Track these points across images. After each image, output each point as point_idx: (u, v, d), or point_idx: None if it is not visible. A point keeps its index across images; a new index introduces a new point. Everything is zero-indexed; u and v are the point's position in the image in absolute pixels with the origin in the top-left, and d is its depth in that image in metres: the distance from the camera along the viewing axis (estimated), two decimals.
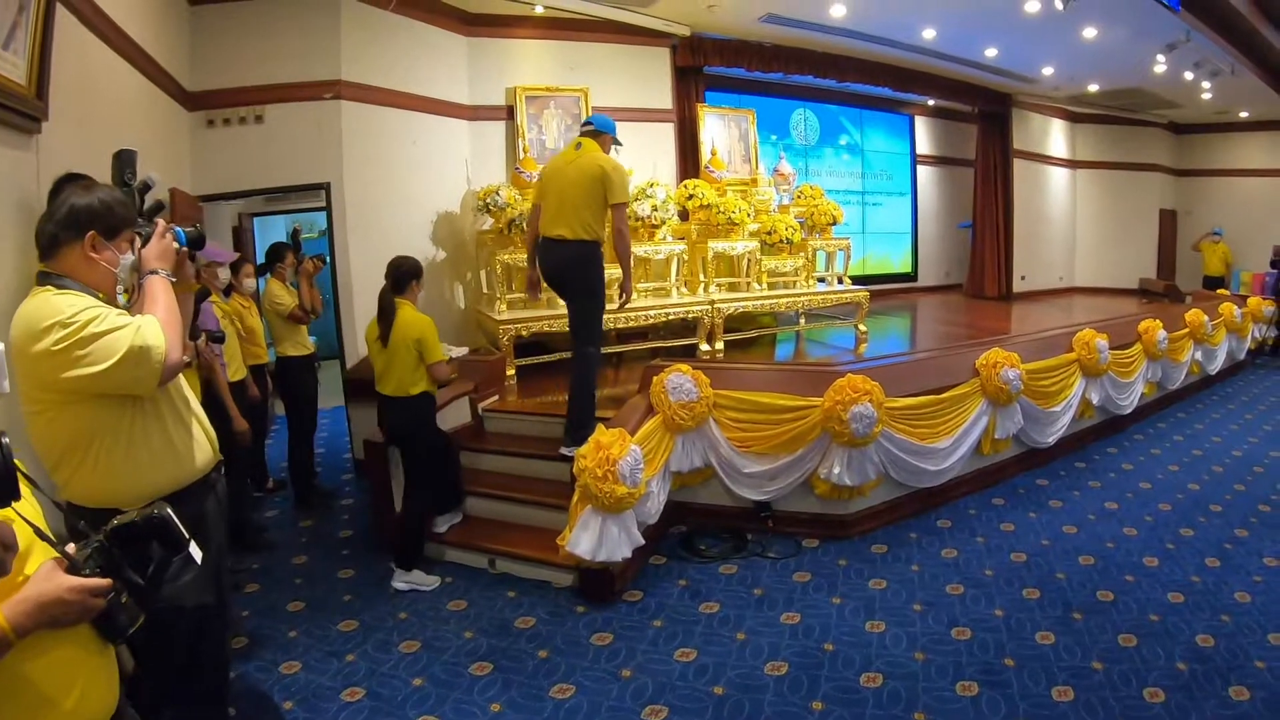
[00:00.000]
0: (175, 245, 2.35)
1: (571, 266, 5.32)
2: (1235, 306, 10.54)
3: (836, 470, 5.20)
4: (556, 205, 5.29)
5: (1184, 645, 3.92)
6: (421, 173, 7.94)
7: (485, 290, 7.93)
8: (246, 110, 6.77)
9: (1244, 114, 15.14)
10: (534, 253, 5.54)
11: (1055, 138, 15.54)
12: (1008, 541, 5.24)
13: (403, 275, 5.02)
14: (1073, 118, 15.68)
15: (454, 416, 6.04)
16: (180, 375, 2.43)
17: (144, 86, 5.45)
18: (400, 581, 4.91)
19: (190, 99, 6.58)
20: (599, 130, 5.54)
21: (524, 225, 6.79)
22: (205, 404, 2.88)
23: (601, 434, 4.55)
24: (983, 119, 13.97)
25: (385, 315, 4.93)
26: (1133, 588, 4.52)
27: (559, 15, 8.68)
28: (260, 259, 6.96)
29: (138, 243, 2.26)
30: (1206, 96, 13.35)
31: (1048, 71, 12.44)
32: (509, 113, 8.65)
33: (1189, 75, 11.58)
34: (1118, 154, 15.88)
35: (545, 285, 5.62)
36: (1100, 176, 16.03)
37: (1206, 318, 9.43)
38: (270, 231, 11.63)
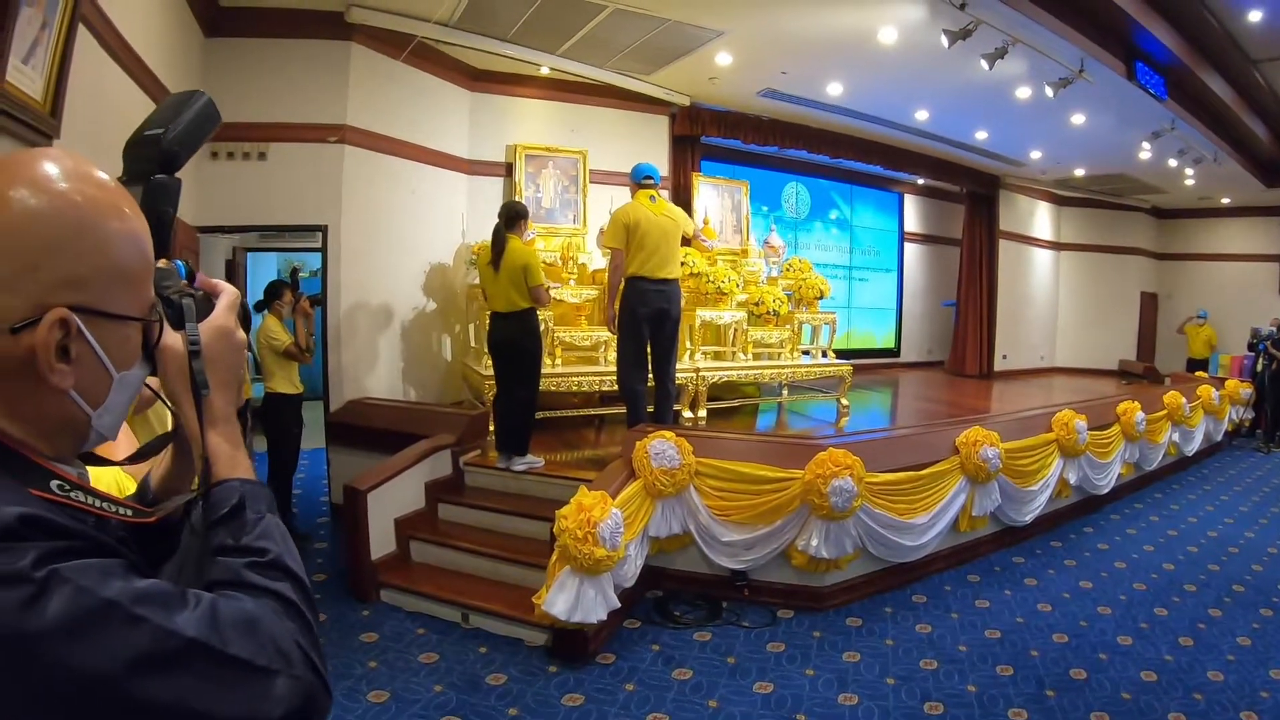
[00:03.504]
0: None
1: (677, 301, 6.16)
2: (1213, 389, 10.62)
3: (814, 542, 5.21)
4: (666, 251, 6.03)
5: None
6: (417, 222, 8.05)
7: (473, 344, 7.98)
8: (251, 146, 6.87)
9: (1226, 200, 15.50)
10: (627, 294, 6.08)
11: (1041, 219, 15.84)
12: (982, 618, 5.24)
13: (513, 215, 6.04)
14: (1058, 200, 16.00)
15: (434, 469, 6.08)
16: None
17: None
18: (519, 464, 5.95)
19: None
20: (656, 181, 6.31)
21: None
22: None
23: (583, 496, 4.56)
24: (971, 199, 14.25)
25: (498, 245, 5.90)
26: (1106, 666, 4.54)
27: (563, 77, 8.87)
28: (253, 295, 7.00)
29: None
30: (1190, 183, 13.66)
31: (1036, 155, 12.74)
32: (508, 169, 8.83)
33: (1173, 162, 11.83)
34: (1101, 237, 16.21)
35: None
36: (1083, 259, 16.33)
37: (1184, 399, 9.50)
38: (262, 267, 11.69)
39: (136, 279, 0.93)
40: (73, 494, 0.86)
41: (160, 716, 0.75)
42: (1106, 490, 7.79)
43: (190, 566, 0.99)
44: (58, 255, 0.85)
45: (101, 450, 1.03)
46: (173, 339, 1.03)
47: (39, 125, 3.46)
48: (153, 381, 1.05)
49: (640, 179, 6.23)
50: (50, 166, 0.87)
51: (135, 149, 1.10)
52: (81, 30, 3.82)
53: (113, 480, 1.58)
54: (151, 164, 1.07)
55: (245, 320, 1.14)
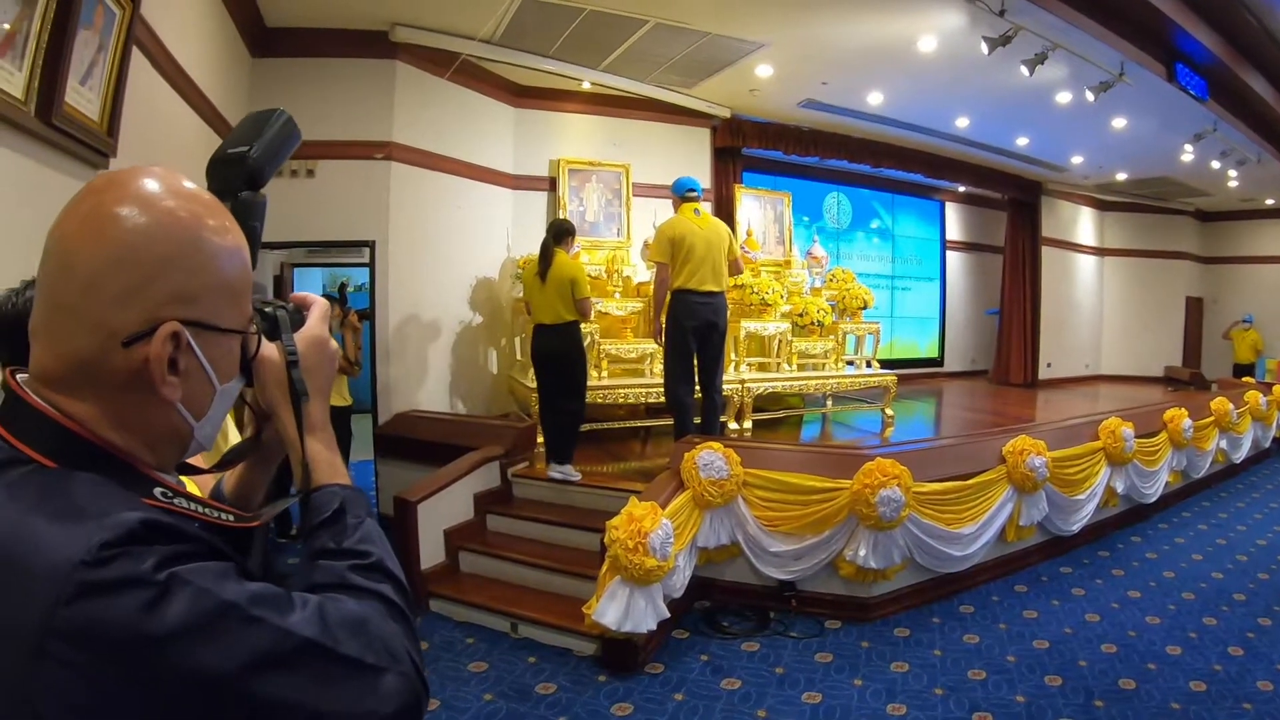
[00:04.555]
0: None
1: (723, 313, 6.19)
2: (1261, 394, 10.44)
3: (862, 553, 5.21)
4: (711, 263, 6.05)
5: None
6: (463, 237, 8.12)
7: (519, 357, 8.06)
8: (299, 164, 6.98)
9: (1270, 201, 15.23)
10: (673, 307, 6.13)
11: (1084, 225, 15.64)
12: (1030, 628, 5.20)
13: (562, 232, 6.16)
14: (1101, 206, 15.79)
15: (482, 480, 6.15)
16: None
17: (204, 131, 5.63)
18: (556, 471, 6.03)
19: None
20: (699, 194, 6.40)
21: None
22: None
23: (634, 506, 4.60)
24: (1013, 206, 14.13)
25: (546, 258, 6.03)
26: (1155, 676, 4.49)
27: (605, 92, 8.93)
28: None
29: None
30: (1233, 184, 13.46)
31: (1077, 160, 12.63)
32: (551, 184, 8.90)
33: (1216, 164, 11.69)
34: (1145, 242, 15.98)
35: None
36: (1127, 264, 16.10)
37: (1232, 406, 9.35)
38: (307, 282, 11.86)
39: (239, 293, 0.97)
40: (176, 500, 0.89)
41: (275, 714, 0.78)
42: (1154, 499, 7.69)
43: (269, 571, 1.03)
44: (169, 270, 0.88)
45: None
46: (269, 350, 1.07)
47: (97, 144, 3.54)
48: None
49: (683, 192, 6.29)
50: (154, 184, 0.90)
51: (221, 167, 1.14)
52: (135, 52, 3.91)
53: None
54: (238, 181, 1.11)
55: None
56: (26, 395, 0.88)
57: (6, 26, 2.69)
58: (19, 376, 0.91)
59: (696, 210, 6.25)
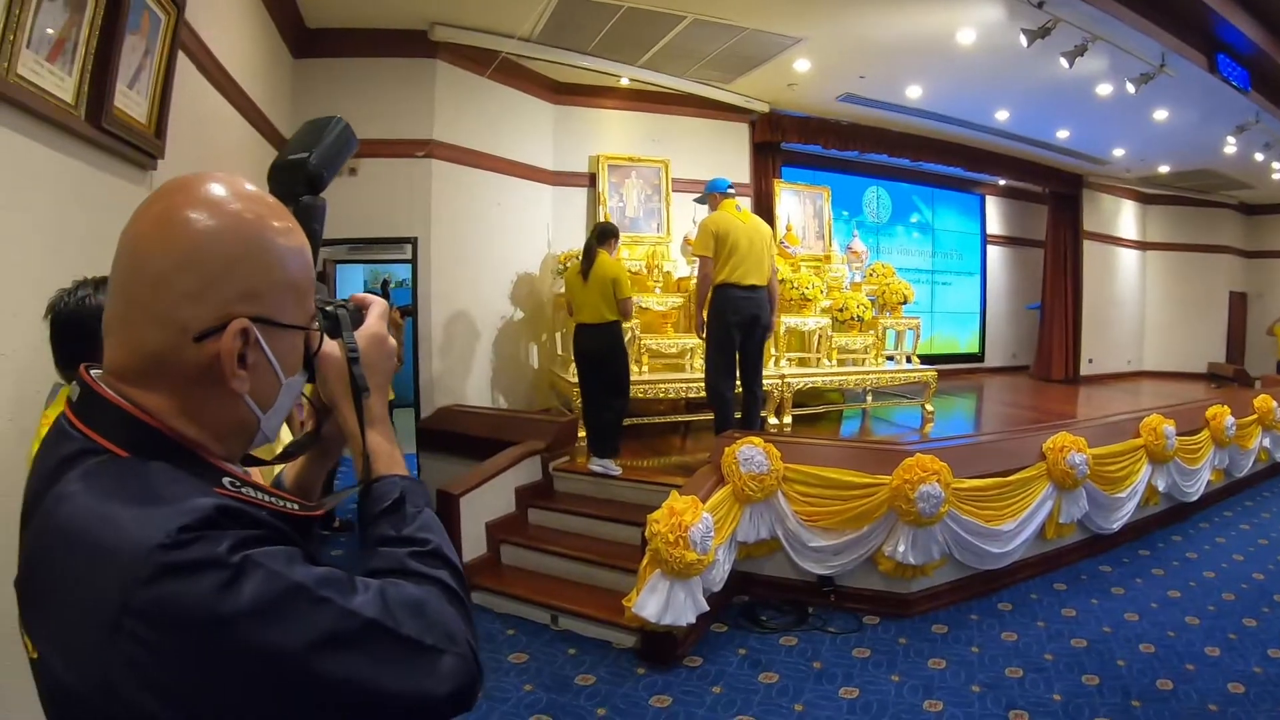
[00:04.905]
0: None
1: (766, 308, 6.22)
2: None
3: (901, 549, 5.22)
4: (754, 259, 6.10)
5: None
6: (504, 233, 8.19)
7: (560, 352, 8.12)
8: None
9: None
10: (716, 301, 6.18)
11: (1126, 219, 15.38)
12: (1069, 627, 5.18)
13: (605, 233, 6.31)
14: (1143, 199, 15.52)
15: (524, 474, 6.20)
16: None
17: (248, 132, 5.71)
18: (597, 465, 6.11)
19: None
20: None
21: None
22: None
23: (675, 500, 4.64)
24: (1054, 199, 13.95)
25: (588, 258, 6.15)
26: (1193, 677, 4.46)
27: (643, 88, 8.96)
28: None
29: None
30: (1277, 177, 13.21)
31: (1118, 153, 12.46)
32: (591, 180, 8.94)
33: (1259, 156, 11.51)
34: (1188, 235, 15.66)
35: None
36: (1170, 258, 15.80)
37: (1276, 404, 9.19)
38: (349, 279, 11.97)
39: (303, 291, 1.02)
40: (243, 489, 0.92)
41: (338, 692, 0.81)
42: (1195, 497, 7.59)
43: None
44: (238, 269, 0.92)
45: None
46: (331, 346, 1.12)
47: (145, 146, 3.59)
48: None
49: (723, 190, 6.36)
50: (221, 188, 0.95)
51: (282, 172, 1.18)
52: (180, 56, 3.98)
53: None
54: (299, 186, 1.16)
55: None
56: (100, 389, 0.93)
57: (56, 33, 2.75)
58: (92, 372, 0.95)
59: (738, 206, 6.32)
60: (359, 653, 0.83)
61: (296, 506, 0.98)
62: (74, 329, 1.96)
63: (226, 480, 0.92)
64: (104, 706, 0.77)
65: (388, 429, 1.17)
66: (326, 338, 1.12)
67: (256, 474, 1.10)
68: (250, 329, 0.93)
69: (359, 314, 1.18)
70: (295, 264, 0.99)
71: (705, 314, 6.26)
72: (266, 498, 0.95)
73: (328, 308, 1.12)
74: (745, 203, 9.59)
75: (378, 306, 1.21)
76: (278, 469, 1.34)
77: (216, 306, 0.91)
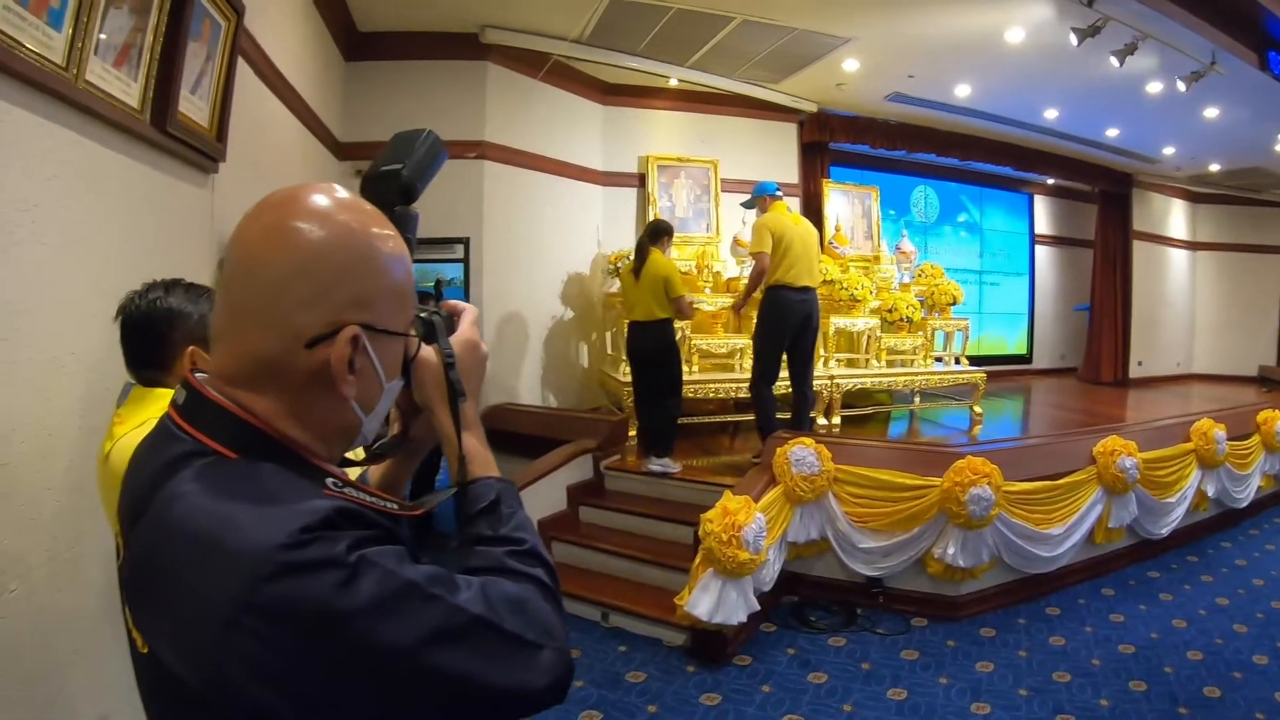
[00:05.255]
0: None
1: (817, 309, 6.30)
2: None
3: (951, 551, 5.22)
4: (807, 260, 6.17)
5: None
6: (555, 233, 8.26)
7: (610, 351, 8.19)
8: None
9: None
10: (769, 303, 6.24)
11: (1176, 219, 15.04)
12: (1116, 632, 5.15)
13: (657, 231, 6.36)
14: (1194, 198, 15.15)
15: (576, 473, 6.27)
16: None
17: (302, 134, 5.82)
18: (655, 465, 6.11)
19: (341, 149, 6.98)
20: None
21: None
22: None
23: (729, 500, 4.67)
24: (1103, 199, 13.73)
25: (640, 256, 6.21)
26: (1241, 685, 4.43)
27: (692, 88, 8.97)
28: None
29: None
30: None
31: (1169, 151, 12.24)
32: (640, 180, 8.99)
33: None
34: (1239, 235, 15.25)
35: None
36: (1221, 259, 15.40)
37: None
38: None
39: (406, 298, 1.05)
40: (346, 489, 0.95)
41: (445, 684, 0.85)
42: (1245, 503, 7.48)
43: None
44: (349, 277, 0.96)
45: None
46: (428, 353, 1.16)
47: (208, 150, 3.67)
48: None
49: (772, 192, 6.41)
50: (327, 199, 0.98)
51: (375, 183, 1.21)
52: (239, 60, 4.06)
53: None
54: (392, 196, 1.18)
55: None
56: (208, 392, 0.97)
57: (122, 40, 2.82)
58: (198, 375, 1.00)
59: (788, 208, 6.41)
60: (466, 647, 0.87)
61: (396, 506, 1.01)
62: (145, 330, 1.99)
63: (330, 481, 0.96)
64: (217, 700, 0.81)
65: (481, 432, 1.21)
66: (423, 344, 1.15)
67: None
68: (360, 335, 0.96)
69: (452, 321, 1.22)
70: (399, 272, 1.03)
71: (747, 306, 6.53)
72: (368, 498, 0.97)
73: (423, 314, 1.16)
74: (794, 203, 9.62)
75: (470, 314, 1.25)
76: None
77: (328, 313, 0.94)
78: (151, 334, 1.99)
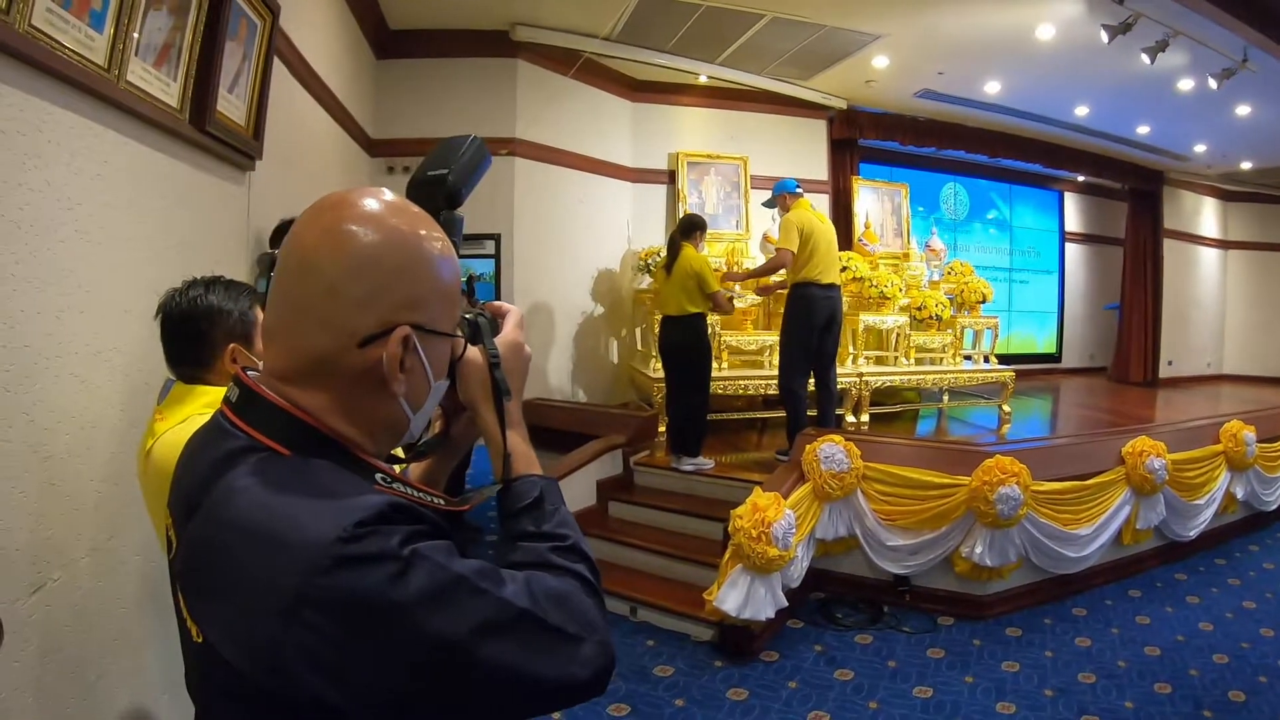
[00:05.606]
0: None
1: (840, 306, 6.42)
2: None
3: (979, 550, 5.21)
4: (831, 257, 6.30)
5: None
6: (585, 230, 8.32)
7: (639, 347, 8.24)
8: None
9: None
10: (796, 301, 6.32)
11: (1207, 217, 14.83)
12: (1143, 634, 5.12)
13: (690, 226, 6.38)
14: (1225, 196, 14.92)
15: (605, 468, 6.31)
16: None
17: (335, 132, 5.90)
18: (687, 464, 6.15)
19: (373, 145, 7.08)
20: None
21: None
22: None
23: (758, 496, 4.70)
24: (1133, 196, 13.59)
25: (672, 251, 6.27)
26: (1265, 689, 4.39)
27: (721, 85, 9.00)
28: None
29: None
30: None
31: (1200, 149, 12.10)
32: (670, 177, 9.02)
33: None
34: (1272, 234, 15.00)
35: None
36: (1253, 258, 15.17)
37: None
38: None
39: (454, 299, 1.08)
40: (394, 485, 0.99)
41: (491, 675, 0.87)
42: (1274, 506, 7.39)
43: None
44: (401, 279, 0.98)
45: None
46: (473, 353, 1.19)
47: (245, 148, 3.71)
48: None
49: (793, 190, 6.49)
50: (378, 203, 1.01)
51: (421, 188, 1.24)
52: (275, 60, 4.10)
53: None
54: (438, 200, 1.21)
55: None
56: (261, 390, 0.99)
57: (161, 40, 2.86)
58: (250, 373, 1.03)
59: (811, 205, 6.49)
60: (512, 640, 0.89)
61: (442, 502, 1.05)
62: (186, 327, 2.03)
63: (379, 476, 0.99)
64: (274, 689, 0.83)
65: (525, 431, 1.23)
66: (469, 344, 1.19)
67: None
68: (411, 335, 0.99)
69: (496, 322, 1.25)
70: (448, 273, 1.05)
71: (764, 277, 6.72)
72: (415, 493, 1.01)
73: (468, 315, 1.20)
74: (824, 199, 9.70)
75: (515, 315, 1.27)
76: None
77: (381, 314, 0.97)
78: (192, 331, 2.02)
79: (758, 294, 7.44)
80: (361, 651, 0.82)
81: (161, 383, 2.16)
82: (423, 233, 1.03)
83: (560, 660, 0.94)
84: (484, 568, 0.92)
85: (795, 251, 6.14)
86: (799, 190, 6.50)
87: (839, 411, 7.54)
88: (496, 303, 1.30)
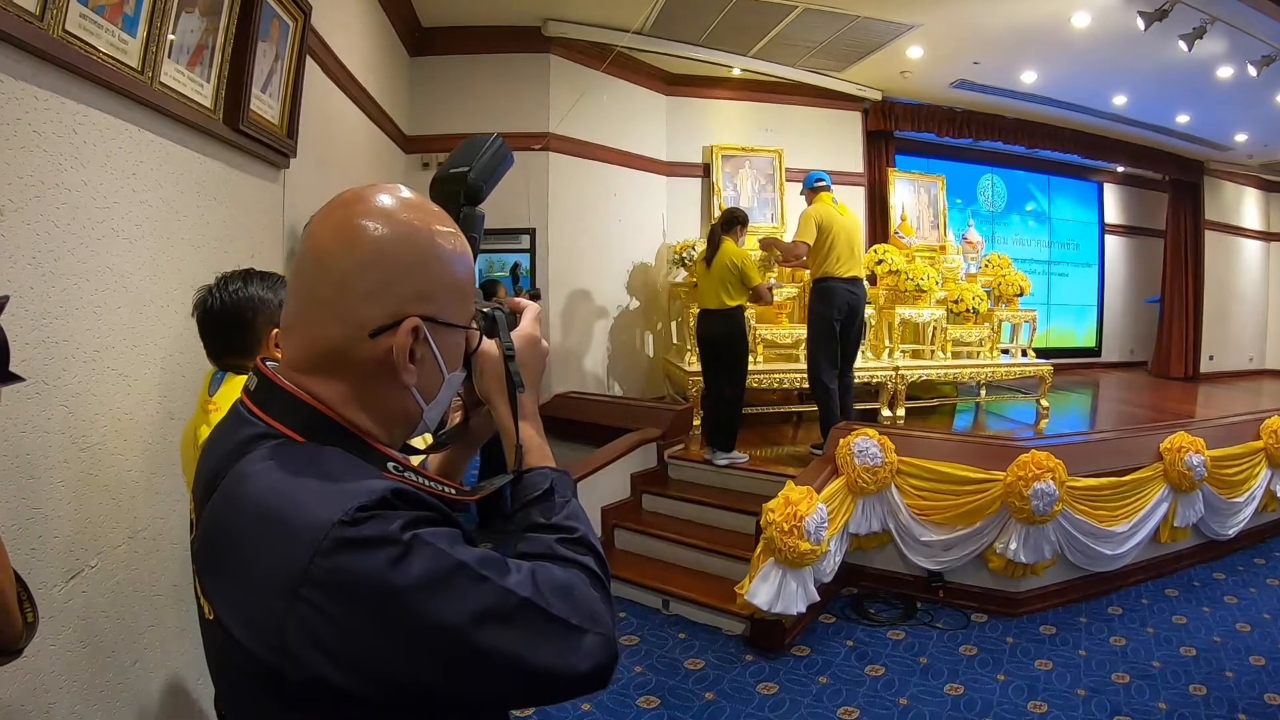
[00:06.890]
0: None
1: (863, 300, 6.49)
2: None
3: (1013, 546, 5.16)
4: (852, 252, 6.32)
5: None
6: (619, 224, 8.35)
7: (675, 341, 8.24)
8: None
9: None
10: (818, 295, 6.40)
11: (1249, 208, 14.49)
12: (1178, 634, 5.04)
13: (731, 220, 6.38)
14: (1267, 186, 14.59)
15: (639, 461, 6.32)
16: None
17: (369, 129, 5.97)
18: (722, 459, 6.15)
19: (407, 142, 7.16)
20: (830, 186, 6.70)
21: None
22: None
23: (791, 490, 4.70)
24: (1174, 187, 13.35)
25: (713, 244, 6.27)
26: None
27: (755, 78, 8.99)
28: None
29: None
30: None
31: (1241, 138, 11.87)
32: (705, 170, 9.03)
33: None
34: None
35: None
36: None
37: None
38: None
39: (466, 293, 1.10)
40: (406, 473, 1.01)
41: (491, 662, 0.88)
42: None
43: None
44: (412, 273, 1.01)
45: None
46: (488, 345, 1.22)
47: (279, 146, 3.78)
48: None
49: (813, 183, 6.54)
50: (392, 199, 1.03)
51: (443, 185, 1.28)
52: (308, 59, 4.14)
53: None
54: (459, 197, 1.25)
55: None
56: (279, 380, 1.03)
57: (194, 42, 2.90)
58: (269, 364, 1.07)
59: (834, 199, 6.51)
60: (513, 628, 0.90)
61: (453, 491, 1.08)
62: (231, 319, 2.13)
63: (391, 465, 1.02)
64: (277, 665, 0.85)
65: (538, 423, 1.26)
66: (484, 337, 1.21)
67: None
68: (420, 326, 1.01)
69: (514, 317, 1.27)
70: (460, 268, 1.08)
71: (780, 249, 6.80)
72: (427, 482, 1.04)
73: (486, 309, 1.22)
74: (859, 191, 9.67)
75: (531, 310, 1.30)
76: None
77: (392, 305, 1.00)
78: (238, 322, 2.12)
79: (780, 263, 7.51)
80: (360, 632, 0.84)
81: (202, 375, 2.23)
82: (434, 228, 1.05)
83: (560, 650, 0.95)
84: (488, 556, 0.93)
85: (810, 245, 6.21)
86: (818, 184, 6.52)
87: (874, 406, 7.53)
88: (516, 299, 1.32)
